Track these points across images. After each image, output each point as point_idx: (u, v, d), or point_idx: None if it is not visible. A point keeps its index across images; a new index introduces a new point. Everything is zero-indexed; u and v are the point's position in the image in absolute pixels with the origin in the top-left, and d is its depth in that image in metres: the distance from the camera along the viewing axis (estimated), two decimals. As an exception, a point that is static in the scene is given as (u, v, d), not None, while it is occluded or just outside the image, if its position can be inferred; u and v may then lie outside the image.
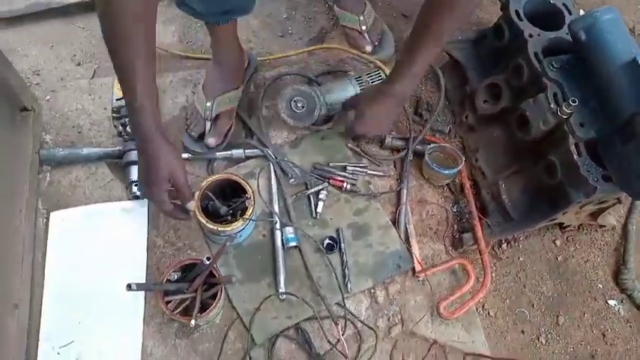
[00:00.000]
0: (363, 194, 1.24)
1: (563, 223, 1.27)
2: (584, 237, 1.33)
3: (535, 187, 1.17)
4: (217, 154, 1.24)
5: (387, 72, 1.32)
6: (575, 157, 1.03)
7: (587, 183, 1.01)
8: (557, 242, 1.31)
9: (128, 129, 1.13)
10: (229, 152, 1.25)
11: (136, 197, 1.12)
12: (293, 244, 1.14)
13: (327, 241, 1.17)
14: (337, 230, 1.19)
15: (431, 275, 1.20)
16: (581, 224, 1.31)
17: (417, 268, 1.19)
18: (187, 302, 0.98)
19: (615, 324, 1.24)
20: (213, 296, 0.99)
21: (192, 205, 1.00)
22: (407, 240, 1.22)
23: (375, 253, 1.18)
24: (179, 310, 0.98)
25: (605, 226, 1.31)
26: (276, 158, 1.23)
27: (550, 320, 1.24)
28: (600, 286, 1.29)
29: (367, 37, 1.42)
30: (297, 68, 1.41)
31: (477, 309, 1.21)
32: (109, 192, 1.13)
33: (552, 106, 1.07)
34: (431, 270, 1.19)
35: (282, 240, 1.15)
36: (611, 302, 1.27)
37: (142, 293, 1.07)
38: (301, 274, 1.14)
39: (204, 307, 0.98)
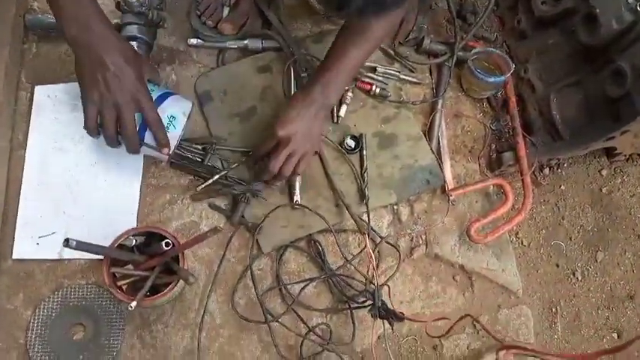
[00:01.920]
0: (394, 101, 1.09)
1: (612, 151, 1.12)
2: (632, 169, 1.18)
3: (594, 100, 1.01)
4: (231, 42, 1.08)
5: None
6: (652, 61, 0.87)
7: (663, 92, 0.85)
8: (604, 172, 1.17)
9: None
10: (244, 42, 1.08)
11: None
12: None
13: (348, 140, 1.03)
14: (360, 135, 1.04)
15: (462, 195, 1.07)
16: (631, 155, 1.16)
17: (448, 186, 1.05)
18: (136, 278, 0.84)
19: (658, 265, 1.12)
20: (167, 284, 0.82)
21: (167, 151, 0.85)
22: (439, 155, 1.08)
23: (402, 166, 1.04)
24: (125, 282, 0.83)
25: (657, 159, 1.17)
26: (293, 53, 1.07)
27: (588, 256, 1.12)
28: (645, 224, 1.16)
29: None
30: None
31: (509, 237, 1.09)
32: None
33: (630, 0, 0.89)
34: (463, 189, 1.05)
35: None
36: (656, 242, 1.15)
37: (138, 179, 0.94)
38: (318, 182, 1.01)
39: (154, 289, 0.82)
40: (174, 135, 0.86)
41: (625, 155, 1.15)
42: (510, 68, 1.05)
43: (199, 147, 0.98)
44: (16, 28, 0.96)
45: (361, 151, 1.03)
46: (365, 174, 1.01)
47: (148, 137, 0.84)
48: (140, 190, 0.95)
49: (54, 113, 0.95)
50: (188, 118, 0.89)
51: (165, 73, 1.04)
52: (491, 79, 1.05)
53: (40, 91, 0.96)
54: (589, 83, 1.02)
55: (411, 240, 1.03)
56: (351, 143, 1.04)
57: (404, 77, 1.12)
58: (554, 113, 1.06)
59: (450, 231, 1.05)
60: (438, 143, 1.09)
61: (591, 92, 1.02)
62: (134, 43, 0.97)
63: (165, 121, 0.84)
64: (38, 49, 1.02)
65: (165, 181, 0.98)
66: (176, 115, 0.86)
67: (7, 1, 0.96)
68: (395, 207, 1.04)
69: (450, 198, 1.05)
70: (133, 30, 0.97)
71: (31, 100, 0.96)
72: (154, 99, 0.85)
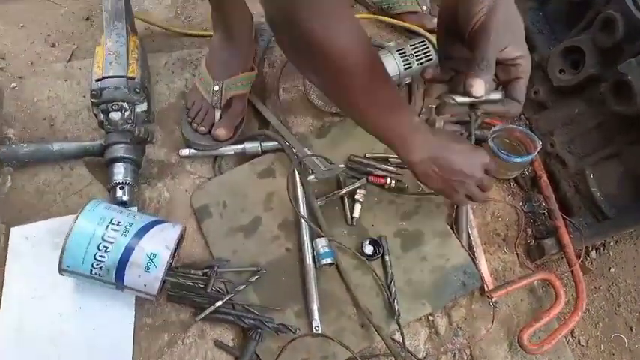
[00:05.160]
0: (413, 193, 0.98)
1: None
2: (684, 239, 1.05)
3: (638, 174, 0.90)
4: (227, 148, 0.99)
5: (434, 41, 1.07)
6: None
7: None
8: (654, 246, 1.04)
9: (112, 117, 0.87)
10: (241, 146, 0.99)
11: (122, 203, 0.86)
12: (328, 260, 0.87)
13: (367, 245, 0.91)
14: (380, 238, 0.92)
15: (505, 295, 0.93)
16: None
17: (488, 286, 0.92)
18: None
19: None
20: None
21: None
22: (470, 250, 0.95)
23: (432, 269, 0.91)
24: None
25: None
26: (296, 153, 0.97)
27: (654, 347, 0.97)
28: None
29: (429, 14, 1.16)
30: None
31: (565, 337, 0.94)
32: (86, 199, 0.87)
33: (667, 66, 0.80)
34: (506, 289, 0.91)
35: (312, 256, 0.89)
36: None
37: (130, 322, 0.82)
38: (339, 297, 0.88)
39: None
40: (154, 276, 0.76)
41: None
42: (537, 145, 0.95)
43: (199, 272, 0.85)
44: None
45: (383, 256, 0.91)
46: (392, 284, 0.88)
47: (129, 277, 0.75)
48: (133, 334, 0.81)
49: (33, 256, 0.84)
50: (179, 244, 0.81)
51: (156, 191, 0.94)
52: (518, 160, 0.95)
53: (17, 233, 0.85)
54: (628, 155, 0.91)
55: (454, 356, 0.88)
56: (369, 249, 0.91)
57: (420, 165, 1.01)
58: (593, 190, 0.95)
59: (497, 339, 0.90)
60: (468, 236, 0.97)
61: (632, 165, 0.91)
62: (120, 165, 0.87)
63: (143, 262, 0.74)
64: (13, 183, 0.91)
65: (163, 318, 0.84)
66: (157, 251, 0.76)
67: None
68: (430, 318, 0.90)
69: (492, 300, 0.91)
70: (118, 151, 0.87)
71: (6, 243, 0.85)
72: (132, 232, 0.76)
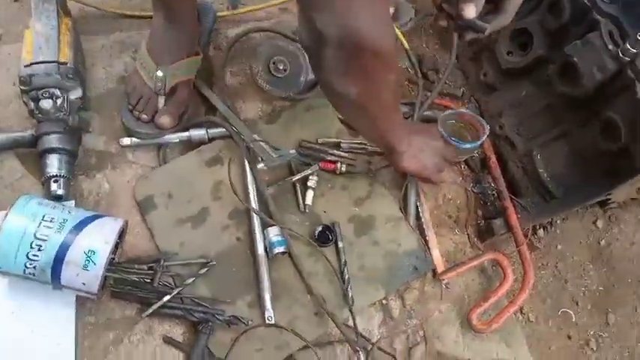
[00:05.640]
0: (362, 172, 0.96)
1: (606, 200, 1.03)
2: (628, 215, 1.10)
3: (584, 154, 0.92)
4: (172, 136, 0.94)
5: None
6: (647, 108, 0.78)
7: (666, 141, 0.77)
8: (599, 223, 1.08)
9: (43, 105, 0.81)
10: (187, 134, 0.95)
11: (57, 197, 0.80)
12: (280, 249, 0.85)
13: (319, 231, 0.90)
14: (332, 224, 0.91)
15: (456, 277, 0.94)
16: (624, 201, 1.07)
17: (439, 268, 0.92)
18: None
19: (675, 315, 1.02)
20: None
21: None
22: (422, 233, 0.95)
23: (385, 254, 0.91)
24: None
25: (650, 199, 1.08)
26: (244, 140, 0.93)
27: (599, 320, 1.01)
28: (650, 272, 1.06)
29: None
30: (270, 24, 1.11)
31: (515, 314, 0.96)
32: (18, 193, 0.80)
33: (610, 47, 0.82)
34: (456, 270, 0.93)
35: (264, 245, 0.86)
36: (665, 291, 1.05)
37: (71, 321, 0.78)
38: (291, 285, 0.86)
39: None
40: (93, 274, 0.72)
41: (617, 202, 1.06)
42: (485, 130, 0.95)
43: (145, 267, 0.81)
44: None
45: (336, 242, 0.90)
46: (345, 270, 0.87)
47: (66, 276, 0.71)
48: (75, 334, 0.77)
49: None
50: (121, 238, 0.77)
51: (95, 182, 0.89)
52: (467, 146, 0.95)
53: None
54: (575, 136, 0.93)
55: (407, 338, 0.89)
56: (322, 235, 0.90)
57: (372, 148, 1.00)
58: (540, 171, 0.96)
59: (450, 320, 0.92)
60: (418, 218, 0.97)
61: (579, 145, 0.92)
62: (54, 156, 0.81)
63: (80, 260, 0.70)
64: None
65: (107, 316, 0.80)
66: (96, 248, 0.72)
67: None
68: (384, 302, 0.90)
69: (443, 282, 0.92)
70: (51, 141, 0.81)
71: None
72: (67, 229, 0.71)
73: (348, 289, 0.86)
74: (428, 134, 0.90)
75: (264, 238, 0.87)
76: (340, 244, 0.89)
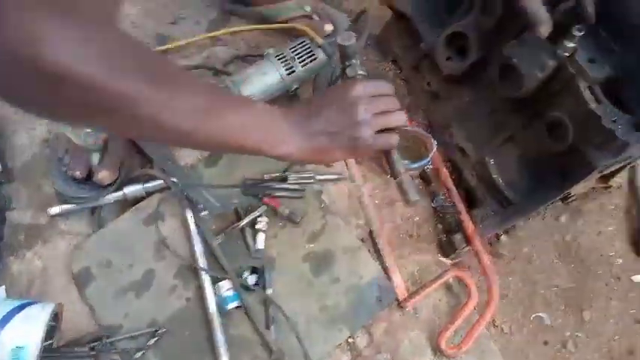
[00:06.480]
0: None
1: (566, 194, 1.01)
2: (590, 205, 1.07)
3: (534, 156, 0.89)
4: (106, 198, 0.88)
5: (317, 38, 0.99)
6: (591, 105, 0.75)
7: (614, 138, 0.73)
8: (562, 218, 1.05)
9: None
10: (121, 192, 0.89)
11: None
12: (234, 304, 0.81)
13: (246, 274, 0.85)
14: (262, 266, 0.86)
15: (423, 300, 0.90)
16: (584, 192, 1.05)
17: (401, 295, 0.89)
18: None
19: (647, 304, 1.00)
20: None
21: None
22: (382, 260, 0.92)
23: (346, 290, 0.87)
24: None
25: (610, 187, 1.06)
26: (182, 189, 0.88)
27: (574, 319, 0.99)
28: (620, 260, 1.04)
29: (318, 18, 1.07)
30: (200, 60, 1.06)
31: (487, 329, 0.93)
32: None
33: (547, 44, 0.78)
34: (420, 294, 0.89)
35: (217, 302, 0.82)
36: (636, 278, 1.03)
37: None
38: (252, 342, 0.82)
39: None
40: None
41: (578, 194, 1.04)
42: (433, 146, 0.91)
43: (86, 349, 0.76)
44: None
45: (264, 287, 0.84)
46: (271, 329, 0.82)
47: None
48: None
49: None
50: (57, 322, 0.74)
51: (26, 262, 0.83)
52: (415, 165, 0.91)
53: None
54: (523, 139, 0.90)
55: (380, 374, 0.86)
56: (252, 278, 0.85)
57: (321, 177, 0.96)
58: (495, 177, 0.93)
59: (420, 347, 0.88)
60: (374, 244, 0.93)
61: (528, 148, 0.89)
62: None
63: (7, 357, 0.64)
64: None
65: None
66: (24, 343, 0.67)
67: None
68: (350, 340, 0.86)
69: (407, 309, 0.89)
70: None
71: None
72: None
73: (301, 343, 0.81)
74: (332, 97, 0.69)
75: (216, 295, 0.82)
76: (269, 291, 0.84)
